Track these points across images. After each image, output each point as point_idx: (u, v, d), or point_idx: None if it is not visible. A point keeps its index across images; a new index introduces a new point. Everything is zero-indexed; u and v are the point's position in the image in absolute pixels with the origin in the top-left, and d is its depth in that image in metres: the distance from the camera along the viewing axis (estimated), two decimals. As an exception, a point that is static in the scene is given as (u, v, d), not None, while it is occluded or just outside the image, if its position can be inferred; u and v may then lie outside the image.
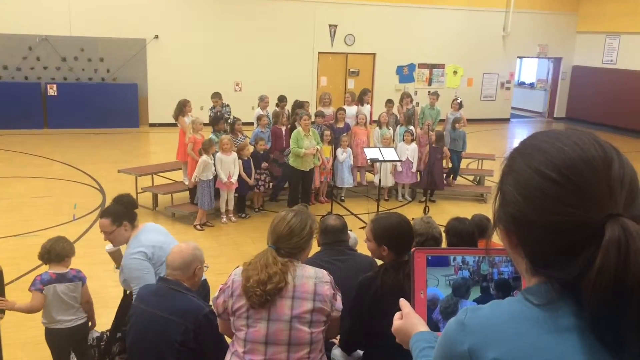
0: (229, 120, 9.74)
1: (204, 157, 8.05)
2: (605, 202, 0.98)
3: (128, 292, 4.14)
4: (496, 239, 4.27)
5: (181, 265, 3.21)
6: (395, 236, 3.09)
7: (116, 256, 4.22)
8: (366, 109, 11.05)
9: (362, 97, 11.24)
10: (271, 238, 2.82)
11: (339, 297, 2.85)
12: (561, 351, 0.97)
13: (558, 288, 1.02)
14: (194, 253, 3.30)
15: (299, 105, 10.39)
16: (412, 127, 10.27)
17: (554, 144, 1.05)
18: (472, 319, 1.08)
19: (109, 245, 4.15)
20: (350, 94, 11.39)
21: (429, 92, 11.83)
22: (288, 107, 10.63)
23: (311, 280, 2.76)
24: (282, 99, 10.46)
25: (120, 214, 3.94)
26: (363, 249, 4.34)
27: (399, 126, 10.49)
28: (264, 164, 8.90)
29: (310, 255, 3.75)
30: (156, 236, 4.03)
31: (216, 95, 10.34)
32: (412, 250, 1.54)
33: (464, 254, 1.59)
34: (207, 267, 3.47)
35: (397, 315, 1.49)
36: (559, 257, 1.01)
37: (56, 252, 4.05)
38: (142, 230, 4.01)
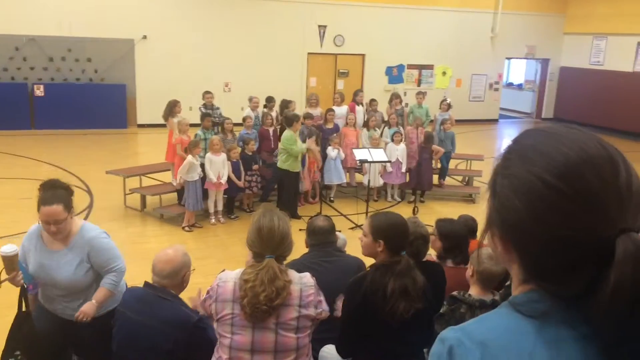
0: (216, 120, 9.69)
1: (189, 157, 8.01)
2: (613, 216, 0.92)
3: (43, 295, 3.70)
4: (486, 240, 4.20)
5: (170, 273, 3.14)
6: (393, 233, 3.06)
7: (14, 261, 3.52)
8: (359, 109, 11.07)
9: (355, 98, 11.24)
10: (267, 248, 2.71)
11: (323, 299, 2.84)
12: None
13: (550, 297, 0.97)
14: (183, 260, 3.23)
15: (286, 104, 10.39)
16: (401, 128, 10.31)
17: (557, 148, 0.96)
18: (462, 336, 1.00)
19: (8, 247, 3.49)
20: (339, 94, 11.38)
21: (418, 92, 11.91)
22: (276, 107, 10.61)
23: (297, 286, 2.73)
24: (269, 100, 10.44)
25: (68, 200, 3.53)
26: (351, 250, 4.34)
27: (387, 128, 10.50)
28: (255, 166, 8.89)
29: (297, 257, 3.75)
30: None
31: (208, 93, 10.31)
32: None
33: None
34: (194, 269, 3.43)
35: None
36: (559, 270, 0.95)
37: None
38: (81, 219, 3.78)
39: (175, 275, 3.17)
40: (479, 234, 4.79)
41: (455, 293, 3.23)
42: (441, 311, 3.23)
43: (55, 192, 3.53)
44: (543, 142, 0.99)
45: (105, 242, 3.67)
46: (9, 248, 3.49)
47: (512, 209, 0.98)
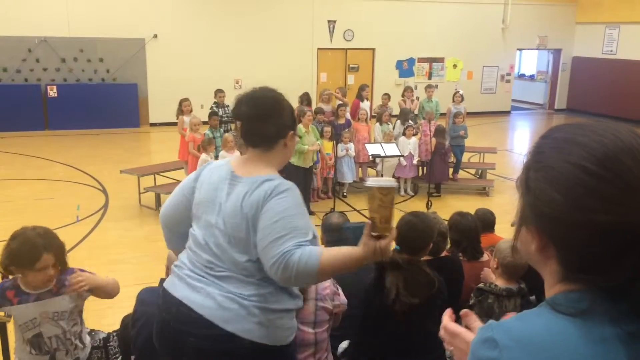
0: (224, 118, 9.70)
1: (204, 155, 8.05)
2: None
3: None
4: (499, 233, 4.19)
5: None
6: (404, 234, 2.98)
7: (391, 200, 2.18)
8: (365, 104, 11.05)
9: (360, 93, 11.23)
10: None
11: (340, 292, 2.84)
12: None
13: (591, 296, 0.95)
14: None
15: (305, 97, 10.39)
16: (411, 122, 10.30)
17: (592, 137, 0.96)
18: (502, 333, 0.98)
19: (384, 180, 2.18)
20: (340, 89, 11.43)
21: (427, 85, 11.87)
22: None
23: None
24: None
25: None
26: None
27: (398, 121, 10.50)
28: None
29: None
30: None
31: (220, 91, 10.32)
32: None
33: None
34: None
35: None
36: (600, 260, 0.94)
37: None
38: None
39: None
40: (496, 227, 4.75)
41: (481, 285, 3.25)
42: (469, 303, 3.24)
43: None
44: (576, 132, 0.99)
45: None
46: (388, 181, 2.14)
47: (550, 201, 0.97)
